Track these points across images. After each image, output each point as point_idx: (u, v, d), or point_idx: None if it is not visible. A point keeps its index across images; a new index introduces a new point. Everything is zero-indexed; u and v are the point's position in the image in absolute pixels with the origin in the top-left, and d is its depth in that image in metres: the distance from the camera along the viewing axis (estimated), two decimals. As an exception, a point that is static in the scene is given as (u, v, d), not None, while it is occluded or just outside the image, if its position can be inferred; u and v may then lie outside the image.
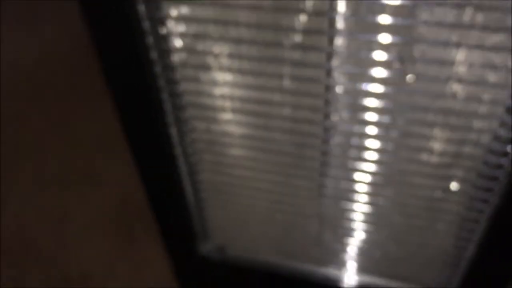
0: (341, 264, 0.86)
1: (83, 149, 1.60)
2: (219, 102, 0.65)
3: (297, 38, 0.54)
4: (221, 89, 0.63)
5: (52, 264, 1.30)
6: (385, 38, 0.52)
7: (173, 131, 0.70)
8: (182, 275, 0.99)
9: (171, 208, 0.82)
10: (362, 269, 0.85)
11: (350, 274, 0.86)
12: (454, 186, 0.66)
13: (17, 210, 1.44)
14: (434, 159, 0.63)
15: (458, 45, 0.51)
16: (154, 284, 1.23)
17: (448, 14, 0.49)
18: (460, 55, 0.52)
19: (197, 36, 0.58)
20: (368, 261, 0.83)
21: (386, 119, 0.60)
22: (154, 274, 1.25)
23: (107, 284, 1.24)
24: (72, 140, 1.63)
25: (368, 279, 0.86)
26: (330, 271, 0.87)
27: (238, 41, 0.57)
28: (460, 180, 0.65)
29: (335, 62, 0.55)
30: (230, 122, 0.67)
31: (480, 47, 0.51)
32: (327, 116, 0.61)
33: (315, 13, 0.52)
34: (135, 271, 1.26)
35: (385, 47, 0.53)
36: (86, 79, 1.77)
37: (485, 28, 0.48)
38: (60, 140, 1.64)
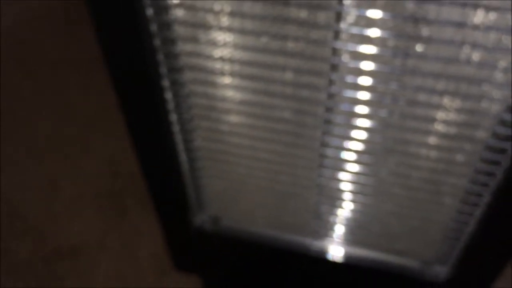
0: (338, 237, 0.84)
1: (74, 119, 1.56)
2: (218, 65, 0.62)
3: (305, -5, 0.51)
4: (221, 51, 0.60)
5: (42, 236, 1.28)
6: (398, -3, 0.49)
7: (169, 95, 0.66)
8: (175, 247, 0.97)
9: (164, 177, 0.80)
10: (360, 242, 0.84)
11: (347, 248, 0.85)
12: (459, 158, 0.64)
13: (6, 180, 1.40)
14: (440, 129, 0.61)
15: (476, 6, 0.48)
16: (145, 257, 1.21)
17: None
18: (477, 17, 0.49)
19: (196, -8, 0.55)
20: (366, 234, 0.81)
21: (393, 85, 0.57)
22: (146, 245, 1.23)
23: (98, 257, 1.23)
24: (62, 109, 1.59)
25: (366, 252, 0.84)
26: (326, 244, 0.86)
27: (240, -3, 0.53)
28: (466, 152, 0.63)
29: (344, 23, 0.52)
30: (229, 86, 0.64)
31: (498, 9, 0.48)
32: (332, 82, 0.58)
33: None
34: (127, 243, 1.25)
35: (397, 8, 0.50)
36: (77, 45, 1.72)
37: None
38: (51, 110, 1.60)
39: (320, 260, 0.87)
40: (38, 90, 1.66)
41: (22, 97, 1.64)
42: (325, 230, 0.83)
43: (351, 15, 0.52)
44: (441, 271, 0.82)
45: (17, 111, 1.59)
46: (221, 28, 0.57)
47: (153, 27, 0.58)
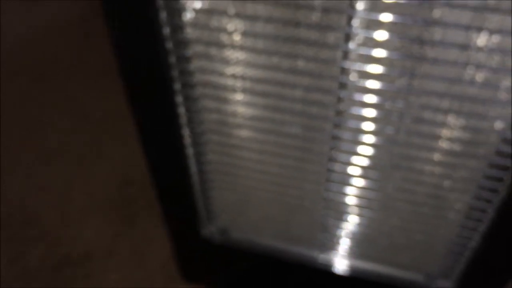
0: (344, 250, 0.86)
1: (86, 126, 1.59)
2: (230, 82, 0.64)
3: (315, 17, 0.53)
4: (233, 68, 0.62)
5: (53, 242, 1.30)
6: (404, 19, 0.51)
7: (182, 110, 0.69)
8: (183, 257, 0.99)
9: (175, 189, 0.82)
10: (365, 255, 0.85)
11: (352, 261, 0.86)
12: (463, 174, 0.66)
13: (19, 185, 1.43)
14: (445, 146, 0.63)
15: (479, 29, 0.50)
16: (154, 264, 1.23)
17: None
18: (480, 40, 0.51)
19: (211, 12, 0.57)
20: (372, 248, 0.83)
21: (400, 104, 0.59)
22: (155, 253, 1.25)
23: (107, 264, 1.24)
24: (76, 117, 1.63)
25: (370, 266, 0.86)
26: (332, 257, 0.87)
27: (253, 18, 0.56)
28: (470, 169, 0.65)
29: (352, 44, 0.54)
30: (240, 102, 0.66)
31: (501, 32, 0.50)
32: (340, 99, 0.60)
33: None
34: (136, 250, 1.26)
35: (404, 30, 0.52)
36: (93, 53, 1.75)
37: (508, 12, 0.48)
38: (64, 116, 1.63)
39: (326, 272, 0.88)
40: (51, 96, 1.69)
41: (35, 103, 1.67)
42: (331, 243, 0.85)
43: (359, 36, 0.54)
44: (445, 285, 0.83)
45: (31, 117, 1.63)
46: (234, 47, 0.60)
47: (169, 45, 0.60)
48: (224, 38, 0.59)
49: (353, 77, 0.58)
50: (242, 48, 0.60)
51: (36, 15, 2.00)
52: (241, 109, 0.67)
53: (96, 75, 1.71)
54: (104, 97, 1.63)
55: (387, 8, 0.51)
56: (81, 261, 1.25)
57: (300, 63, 0.58)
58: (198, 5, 0.57)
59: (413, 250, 0.81)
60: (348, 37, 0.54)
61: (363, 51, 0.55)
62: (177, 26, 0.59)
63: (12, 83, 1.73)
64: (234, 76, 0.63)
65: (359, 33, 0.53)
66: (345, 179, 0.72)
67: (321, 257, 0.87)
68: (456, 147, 0.62)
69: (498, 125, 0.58)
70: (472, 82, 0.54)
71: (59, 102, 1.67)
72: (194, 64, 0.63)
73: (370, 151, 0.66)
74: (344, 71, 0.57)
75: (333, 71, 0.58)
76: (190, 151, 0.74)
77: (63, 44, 1.88)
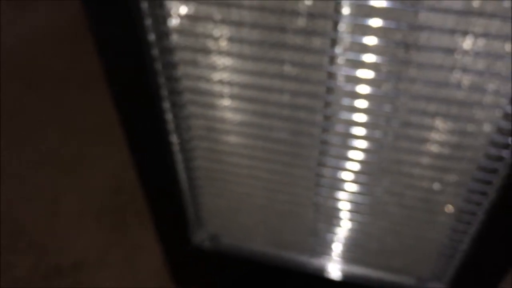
0: (335, 255, 0.85)
1: (77, 134, 1.58)
2: (217, 88, 0.63)
3: (301, 22, 0.53)
4: (220, 74, 0.62)
5: (43, 252, 1.28)
6: (390, 24, 0.51)
7: (169, 116, 0.68)
8: (174, 264, 0.98)
9: (164, 195, 0.81)
10: (356, 260, 0.85)
11: (343, 265, 0.86)
12: (452, 178, 0.66)
13: (8, 195, 1.41)
14: (433, 150, 0.63)
15: (464, 33, 0.50)
16: (146, 273, 1.22)
17: (456, 1, 0.48)
18: (466, 43, 0.51)
19: (197, 18, 0.57)
20: (363, 252, 0.83)
21: (387, 108, 0.59)
22: (146, 262, 1.24)
23: (98, 273, 1.23)
24: (66, 124, 1.61)
25: (362, 270, 0.85)
26: (323, 262, 0.87)
27: (239, 24, 0.56)
28: (459, 172, 0.65)
29: (338, 49, 0.54)
30: (228, 108, 0.66)
31: (487, 35, 0.50)
32: (328, 104, 0.60)
33: (320, -3, 0.50)
34: (127, 259, 1.25)
35: (389, 34, 0.52)
36: (82, 60, 1.74)
37: (493, 16, 0.48)
38: (54, 125, 1.62)
39: (318, 277, 0.88)
40: (41, 105, 1.68)
41: (25, 112, 1.66)
42: (322, 248, 0.84)
43: (345, 41, 0.54)
44: (437, 287, 0.83)
45: (21, 126, 1.61)
46: (220, 53, 0.59)
47: (155, 52, 0.60)
48: (210, 44, 0.59)
49: (340, 81, 0.58)
50: (228, 54, 0.59)
51: (25, 22, 1.99)
52: (229, 115, 0.67)
53: (86, 82, 1.70)
54: (95, 104, 1.62)
55: (373, 12, 0.51)
56: (72, 270, 1.24)
57: (287, 68, 0.58)
58: (183, 11, 0.56)
59: (404, 253, 0.81)
60: (334, 42, 0.54)
61: (349, 55, 0.54)
62: (163, 33, 0.58)
63: (1, 90, 1.71)
64: (221, 82, 0.62)
65: (345, 38, 0.53)
66: (335, 184, 0.72)
67: (313, 262, 0.87)
68: (445, 150, 0.62)
69: (486, 128, 0.58)
70: (458, 85, 0.54)
71: (49, 109, 1.66)
72: (181, 71, 0.62)
73: (359, 155, 0.66)
74: (331, 76, 0.57)
75: (320, 76, 0.58)
76: (178, 157, 0.74)
77: (53, 51, 1.87)
